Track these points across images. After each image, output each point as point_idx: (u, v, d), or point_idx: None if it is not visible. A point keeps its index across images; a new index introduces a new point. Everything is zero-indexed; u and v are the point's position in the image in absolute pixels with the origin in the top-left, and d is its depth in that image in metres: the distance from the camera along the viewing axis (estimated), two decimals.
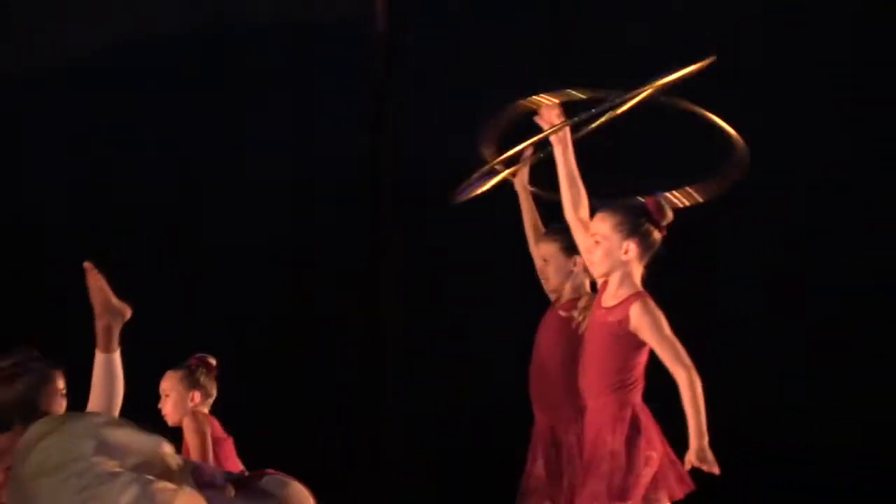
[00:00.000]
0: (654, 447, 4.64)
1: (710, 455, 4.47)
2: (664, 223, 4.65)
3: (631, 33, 8.31)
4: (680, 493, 4.68)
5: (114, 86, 8.69)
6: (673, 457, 4.67)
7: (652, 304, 4.62)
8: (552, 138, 4.87)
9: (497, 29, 8.59)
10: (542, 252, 5.30)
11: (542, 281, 5.30)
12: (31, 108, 8.66)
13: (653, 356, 4.79)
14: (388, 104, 8.77)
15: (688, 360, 4.52)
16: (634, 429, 4.60)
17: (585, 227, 4.76)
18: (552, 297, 5.35)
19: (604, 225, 4.66)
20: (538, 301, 5.52)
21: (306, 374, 8.45)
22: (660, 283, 5.37)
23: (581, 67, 8.43)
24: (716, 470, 4.48)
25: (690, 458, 4.48)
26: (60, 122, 8.70)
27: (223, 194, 8.73)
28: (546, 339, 5.25)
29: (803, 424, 7.93)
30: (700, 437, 4.47)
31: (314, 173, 8.74)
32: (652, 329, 4.55)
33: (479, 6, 8.73)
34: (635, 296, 4.63)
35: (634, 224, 4.62)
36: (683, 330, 4.84)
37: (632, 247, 4.63)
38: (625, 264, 4.65)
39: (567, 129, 4.84)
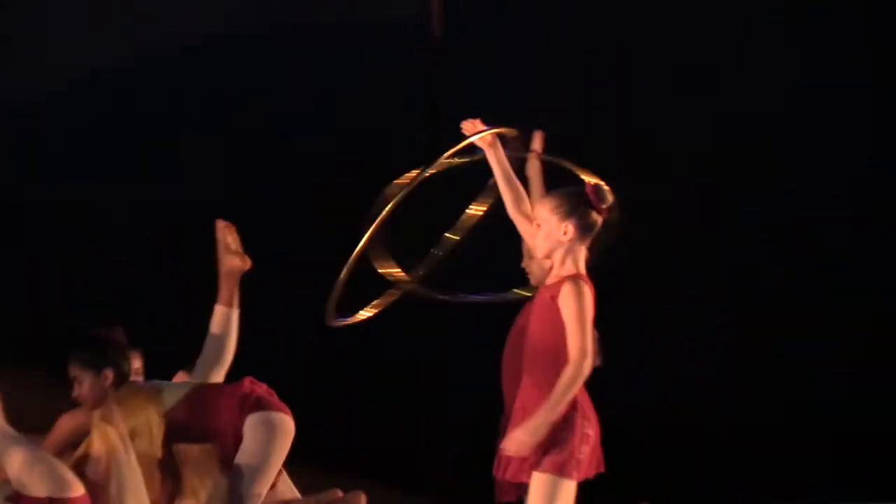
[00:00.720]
0: (591, 426, 4.72)
1: (531, 441, 4.61)
2: (604, 206, 4.80)
3: (665, 36, 8.72)
4: (592, 473, 4.78)
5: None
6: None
7: (584, 286, 4.73)
8: (480, 143, 5.07)
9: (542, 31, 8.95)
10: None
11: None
12: None
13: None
14: (443, 102, 9.11)
15: (587, 350, 4.62)
16: (572, 406, 4.66)
17: (529, 220, 4.92)
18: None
19: (544, 209, 4.83)
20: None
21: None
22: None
23: (618, 67, 8.86)
24: (519, 454, 4.64)
25: (517, 433, 4.62)
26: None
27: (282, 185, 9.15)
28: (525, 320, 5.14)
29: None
30: (546, 416, 4.59)
31: (374, 171, 9.05)
32: (570, 307, 4.67)
33: (525, 10, 9.08)
34: (571, 276, 4.75)
35: (573, 206, 4.77)
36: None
37: (570, 228, 4.77)
38: (564, 245, 4.78)
39: (491, 132, 5.04)
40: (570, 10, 9.03)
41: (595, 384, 4.75)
